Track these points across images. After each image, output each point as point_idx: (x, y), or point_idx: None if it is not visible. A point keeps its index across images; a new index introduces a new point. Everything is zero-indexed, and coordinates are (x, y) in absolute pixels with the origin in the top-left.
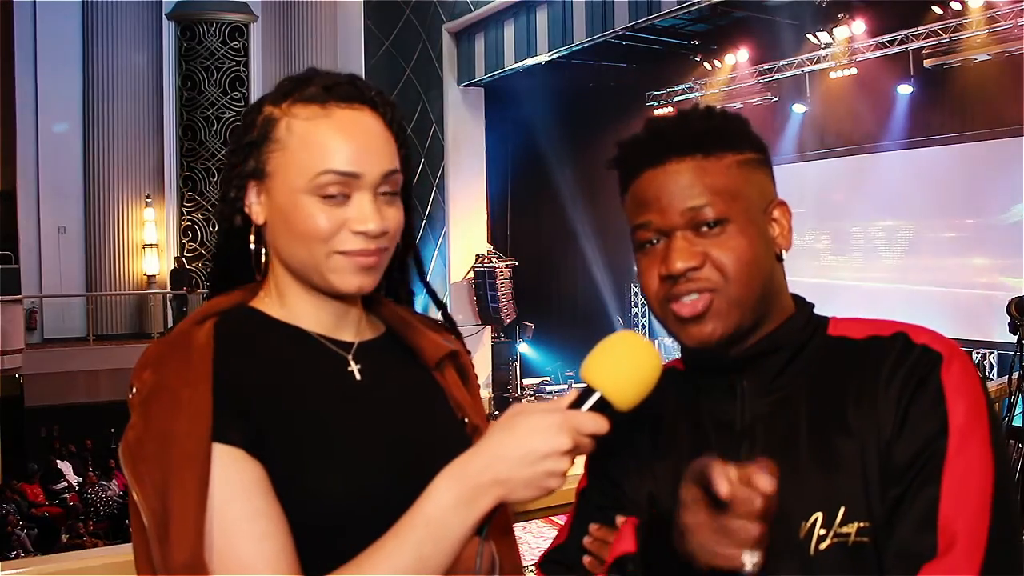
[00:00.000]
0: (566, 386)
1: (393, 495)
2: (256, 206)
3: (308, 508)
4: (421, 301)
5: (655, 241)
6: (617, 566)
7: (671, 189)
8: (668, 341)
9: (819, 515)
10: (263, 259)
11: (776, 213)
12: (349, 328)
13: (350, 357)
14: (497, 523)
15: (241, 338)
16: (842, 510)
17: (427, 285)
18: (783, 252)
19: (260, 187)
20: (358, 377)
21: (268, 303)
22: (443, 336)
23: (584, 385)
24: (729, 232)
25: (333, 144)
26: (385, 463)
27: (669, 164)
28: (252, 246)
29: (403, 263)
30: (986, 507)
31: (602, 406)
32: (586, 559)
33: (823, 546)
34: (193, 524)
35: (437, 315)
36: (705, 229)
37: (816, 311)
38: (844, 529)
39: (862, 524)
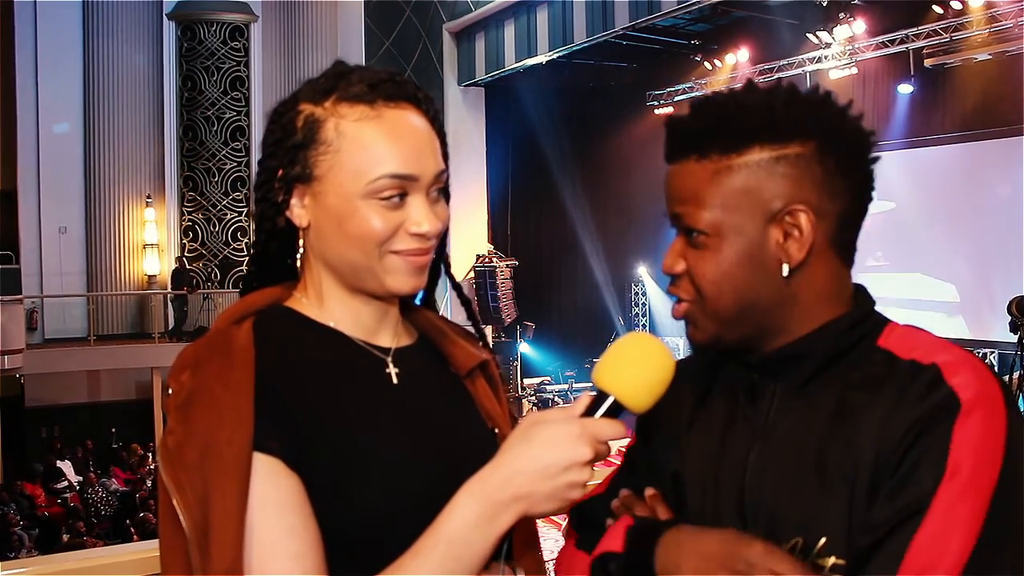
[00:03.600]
0: (566, 386)
1: (429, 504)
2: (299, 209)
3: (346, 517)
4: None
5: (677, 234)
6: (600, 563)
7: (668, 191)
8: (678, 341)
9: (800, 540)
10: (297, 262)
11: (792, 219)
12: (387, 333)
13: (388, 360)
14: (519, 538)
15: (281, 339)
16: (822, 540)
17: (457, 288)
18: (785, 267)
19: (306, 190)
20: (395, 381)
21: (306, 304)
22: (474, 345)
23: (597, 388)
24: (710, 245)
25: (388, 147)
26: (422, 472)
27: (674, 164)
28: (299, 250)
29: (436, 264)
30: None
31: (616, 410)
32: (608, 522)
33: None
34: (233, 535)
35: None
36: (693, 236)
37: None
38: (820, 561)
39: (837, 561)
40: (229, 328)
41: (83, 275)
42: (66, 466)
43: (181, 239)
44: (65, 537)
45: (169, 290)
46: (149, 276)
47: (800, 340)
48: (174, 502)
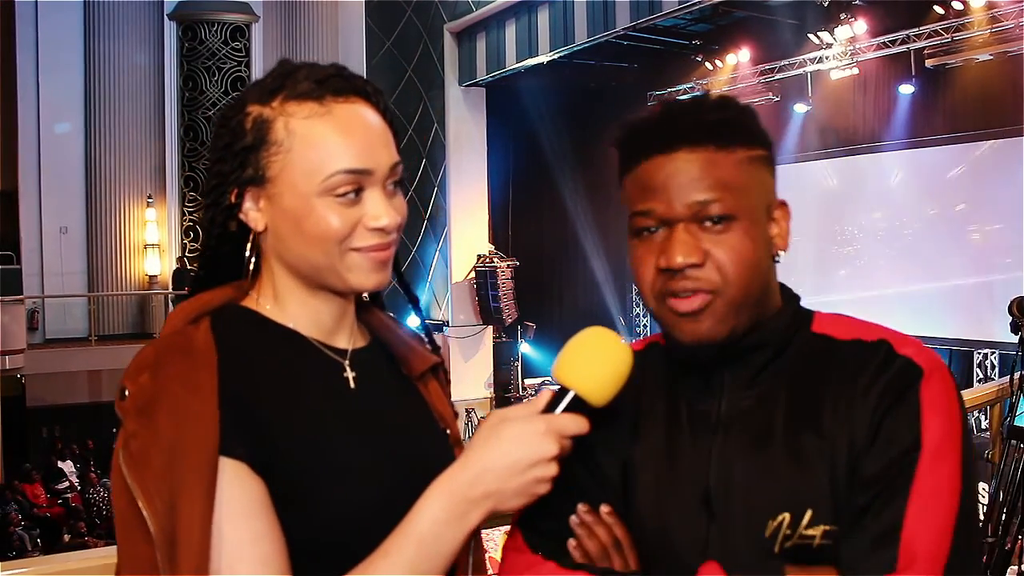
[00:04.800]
0: None
1: (389, 506)
2: (254, 212)
3: (308, 521)
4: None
5: (654, 229)
6: None
7: (680, 179)
8: None
9: (786, 516)
10: (252, 264)
11: (777, 213)
12: (344, 334)
13: (346, 363)
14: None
15: (240, 340)
16: (809, 512)
17: (401, 276)
18: (780, 253)
19: (260, 193)
20: (352, 385)
21: (263, 304)
22: (423, 347)
23: (558, 386)
24: (733, 230)
25: (339, 142)
26: (381, 474)
27: (680, 152)
28: (248, 252)
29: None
30: (949, 529)
31: (578, 404)
32: (571, 543)
33: (787, 546)
34: (199, 540)
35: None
36: (709, 224)
37: (808, 306)
38: (809, 531)
39: (827, 527)
40: (186, 328)
41: (84, 275)
42: (67, 466)
43: (182, 239)
44: (66, 537)
45: (170, 290)
46: (150, 276)
47: (758, 331)
48: (140, 506)
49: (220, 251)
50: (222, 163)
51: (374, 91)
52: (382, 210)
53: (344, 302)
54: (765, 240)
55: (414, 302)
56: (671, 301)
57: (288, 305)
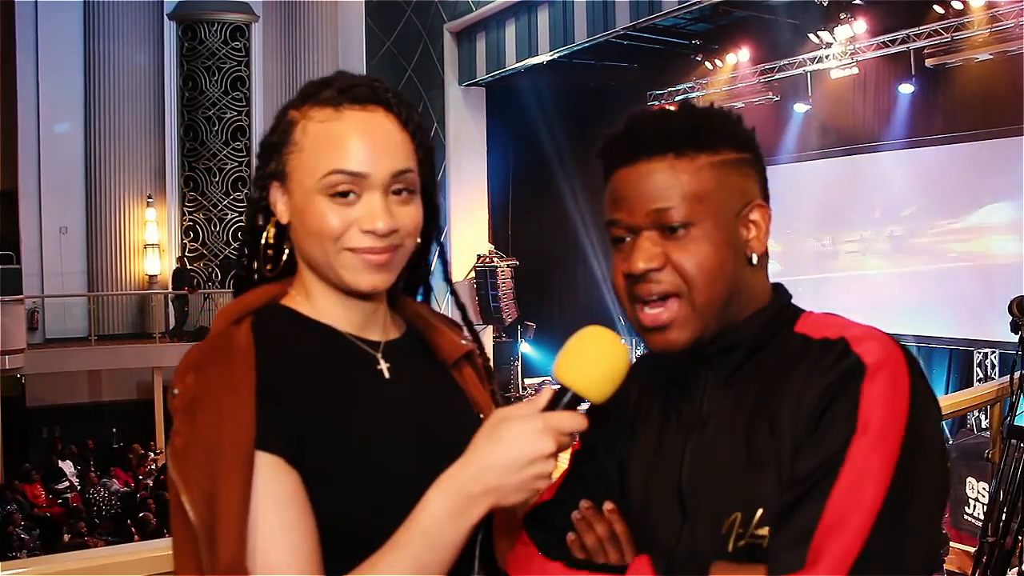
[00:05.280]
0: None
1: (423, 490)
2: (280, 206)
3: (347, 507)
4: (446, 300)
5: (624, 239)
6: None
7: (640, 189)
8: None
9: (739, 514)
10: (283, 258)
11: (753, 215)
12: (376, 327)
13: (379, 356)
14: (500, 526)
15: (278, 338)
16: (759, 512)
17: (451, 284)
18: (755, 256)
19: (282, 188)
20: (387, 376)
21: (300, 301)
22: (459, 335)
23: (558, 384)
24: (693, 236)
25: (342, 145)
26: (415, 463)
27: (641, 163)
28: (271, 242)
29: (424, 260)
30: (865, 526)
31: (577, 402)
32: (570, 536)
33: (740, 544)
34: (237, 529)
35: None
36: (670, 232)
37: (809, 308)
38: (760, 531)
39: None
40: (228, 328)
41: (84, 275)
42: (67, 466)
43: (182, 239)
44: (66, 537)
45: (170, 290)
46: (150, 276)
47: (731, 331)
48: (183, 499)
49: (255, 245)
50: (260, 158)
51: (399, 102)
52: (377, 213)
53: (373, 298)
54: (732, 244)
55: (461, 307)
56: (639, 314)
57: (319, 301)
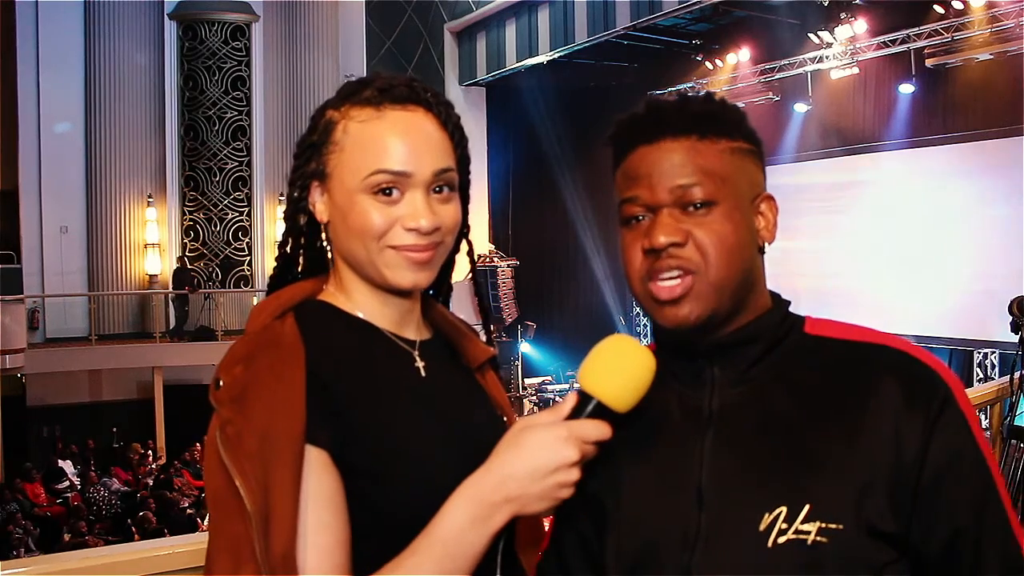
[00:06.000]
0: (568, 385)
1: (457, 486)
2: (320, 205)
3: (387, 501)
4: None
5: (641, 217)
6: None
7: (663, 166)
8: None
9: (783, 509)
10: (328, 256)
11: (763, 206)
12: (411, 326)
13: (415, 353)
14: (524, 534)
15: (323, 333)
16: (806, 508)
17: (478, 285)
18: (766, 245)
19: (322, 187)
20: (423, 375)
21: (337, 297)
22: (480, 340)
23: (581, 391)
24: (715, 215)
25: (385, 144)
26: (452, 458)
27: (664, 142)
28: (324, 243)
29: (451, 259)
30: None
31: (600, 410)
32: None
33: (781, 540)
34: (290, 521)
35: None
36: (692, 209)
37: (808, 313)
38: (805, 527)
39: (825, 525)
40: (273, 323)
41: (84, 274)
42: (67, 465)
43: (182, 239)
44: (66, 536)
45: (170, 290)
46: (150, 275)
47: (749, 325)
48: (237, 484)
49: (295, 244)
50: (299, 158)
51: (438, 102)
52: (420, 211)
53: (409, 297)
54: (749, 229)
55: (484, 312)
56: (653, 287)
57: (357, 298)
